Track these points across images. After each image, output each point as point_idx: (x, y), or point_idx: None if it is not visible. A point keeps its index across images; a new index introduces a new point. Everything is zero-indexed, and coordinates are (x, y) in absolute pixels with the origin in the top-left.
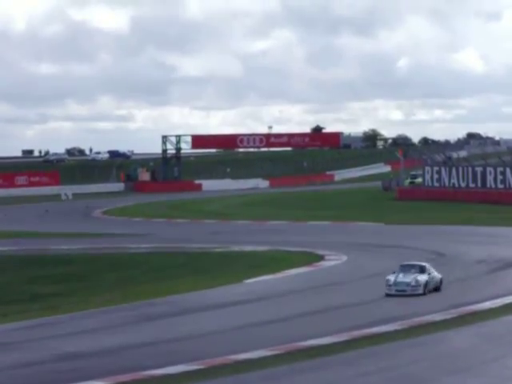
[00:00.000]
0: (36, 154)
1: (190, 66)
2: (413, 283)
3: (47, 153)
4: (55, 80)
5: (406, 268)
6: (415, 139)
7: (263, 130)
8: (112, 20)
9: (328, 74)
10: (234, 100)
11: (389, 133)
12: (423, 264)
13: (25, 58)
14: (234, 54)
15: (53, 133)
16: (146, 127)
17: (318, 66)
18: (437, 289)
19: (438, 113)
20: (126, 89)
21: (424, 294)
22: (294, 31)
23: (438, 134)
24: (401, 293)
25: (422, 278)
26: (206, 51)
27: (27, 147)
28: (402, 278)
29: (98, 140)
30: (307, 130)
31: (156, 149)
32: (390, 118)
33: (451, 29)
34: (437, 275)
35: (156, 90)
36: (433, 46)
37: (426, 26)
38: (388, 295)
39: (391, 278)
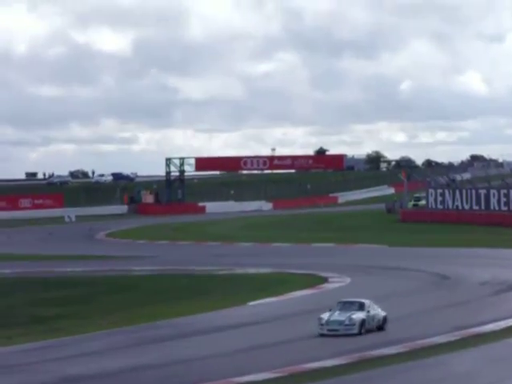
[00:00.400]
0: (40, 176)
1: (192, 88)
2: (346, 322)
3: (52, 175)
4: (58, 103)
5: (344, 305)
6: (418, 161)
7: (266, 152)
8: (114, 42)
9: (331, 97)
10: (236, 122)
11: (392, 155)
12: (363, 301)
13: (27, 81)
14: (236, 76)
15: (56, 155)
16: (148, 149)
17: (321, 89)
18: (380, 328)
19: (441, 135)
20: (129, 111)
21: (360, 333)
22: (296, 54)
23: (441, 156)
24: (333, 332)
25: (358, 316)
26: (208, 74)
27: (30, 170)
28: (336, 316)
29: (101, 162)
30: (310, 152)
31: (159, 171)
32: (394, 141)
33: (454, 51)
34: (379, 313)
35: (159, 113)
36: (435, 68)
37: (428, 48)
38: (321, 335)
39: (325, 316)
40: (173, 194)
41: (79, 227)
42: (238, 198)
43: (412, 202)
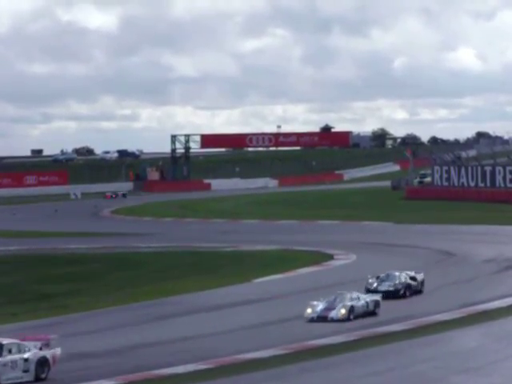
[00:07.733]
0: (52, 152)
1: (186, 65)
2: None
3: (65, 152)
4: (52, 80)
5: None
6: (423, 139)
7: (268, 129)
8: (100, 20)
9: (326, 74)
10: (235, 99)
11: (395, 132)
12: None
13: (16, 58)
14: (228, 53)
15: (58, 133)
16: (150, 127)
17: (316, 66)
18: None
19: (442, 112)
20: (125, 89)
21: None
22: (286, 31)
23: (444, 133)
24: None
25: None
26: (199, 51)
27: (33, 147)
28: None
29: (104, 140)
30: (312, 129)
31: (162, 148)
32: (395, 118)
33: (447, 27)
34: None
35: (156, 90)
36: (427, 45)
37: (418, 25)
38: None
39: None
40: (178, 171)
41: (85, 204)
42: (244, 175)
43: (417, 180)
